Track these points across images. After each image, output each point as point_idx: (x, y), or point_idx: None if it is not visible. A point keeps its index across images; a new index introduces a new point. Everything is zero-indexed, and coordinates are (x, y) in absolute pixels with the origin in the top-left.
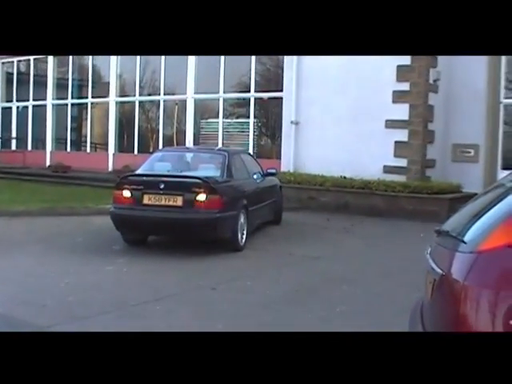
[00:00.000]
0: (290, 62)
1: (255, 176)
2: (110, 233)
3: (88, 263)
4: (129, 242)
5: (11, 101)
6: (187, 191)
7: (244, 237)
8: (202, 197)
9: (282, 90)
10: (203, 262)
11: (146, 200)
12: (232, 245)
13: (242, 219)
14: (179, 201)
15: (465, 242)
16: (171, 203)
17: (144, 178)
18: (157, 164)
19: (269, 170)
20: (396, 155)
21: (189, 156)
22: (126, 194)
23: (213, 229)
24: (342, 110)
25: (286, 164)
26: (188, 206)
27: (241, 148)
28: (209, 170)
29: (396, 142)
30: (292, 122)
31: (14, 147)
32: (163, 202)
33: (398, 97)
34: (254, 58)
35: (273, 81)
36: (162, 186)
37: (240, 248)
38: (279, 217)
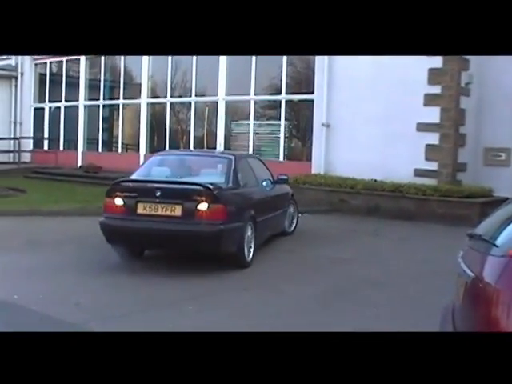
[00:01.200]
0: (321, 64)
1: (264, 183)
2: None
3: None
4: (123, 255)
5: (44, 101)
6: (187, 200)
7: (252, 251)
8: (203, 206)
9: (313, 92)
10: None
11: (140, 209)
12: (237, 261)
13: (249, 232)
14: (178, 210)
15: (497, 246)
16: (169, 213)
17: (138, 185)
18: (154, 169)
19: (280, 177)
20: (427, 158)
21: (190, 160)
22: (118, 202)
23: (216, 242)
24: (373, 112)
25: (317, 166)
26: (188, 217)
27: (261, 151)
28: (212, 175)
29: (427, 146)
30: (323, 125)
31: (46, 147)
32: (160, 212)
33: (430, 100)
34: (285, 59)
35: (304, 83)
36: (158, 194)
37: (247, 264)
38: (292, 228)
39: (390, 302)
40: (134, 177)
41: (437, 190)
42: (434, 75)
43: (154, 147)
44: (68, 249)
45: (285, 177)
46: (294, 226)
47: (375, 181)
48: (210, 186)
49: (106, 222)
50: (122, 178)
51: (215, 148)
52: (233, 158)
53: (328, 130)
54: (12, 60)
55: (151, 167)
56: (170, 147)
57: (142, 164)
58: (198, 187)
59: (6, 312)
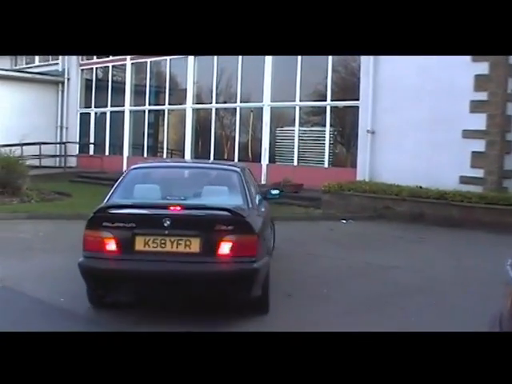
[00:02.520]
0: (366, 70)
1: (257, 199)
2: None
3: None
4: (96, 302)
5: (90, 107)
6: (208, 230)
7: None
8: (231, 238)
9: (358, 99)
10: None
11: (139, 245)
12: (261, 306)
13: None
14: (195, 245)
15: None
16: (182, 249)
17: (137, 211)
18: (138, 188)
19: (272, 192)
20: (473, 166)
21: (186, 174)
22: (106, 235)
23: (248, 286)
24: (418, 119)
25: (362, 173)
26: (209, 253)
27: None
28: (223, 195)
29: (473, 153)
30: (368, 131)
31: (91, 152)
32: (169, 248)
33: (476, 106)
34: (330, 66)
35: (349, 89)
36: (167, 223)
37: (267, 310)
38: (272, 245)
39: (433, 310)
40: (115, 199)
41: (482, 198)
42: (480, 81)
43: (199, 153)
44: None
45: (276, 191)
46: (273, 242)
47: (420, 188)
48: (240, 211)
49: (87, 264)
50: (108, 203)
51: (260, 154)
52: (239, 169)
53: (373, 136)
54: (59, 65)
55: (133, 185)
56: (215, 153)
57: (120, 181)
58: (223, 212)
59: (52, 315)
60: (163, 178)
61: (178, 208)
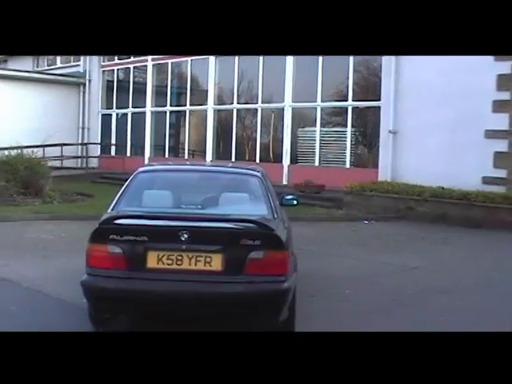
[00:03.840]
0: (387, 71)
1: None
2: None
3: None
4: (99, 324)
5: (111, 108)
6: (231, 245)
7: None
8: (258, 254)
9: (379, 99)
10: None
11: (152, 262)
12: (286, 327)
13: None
14: (216, 262)
15: None
16: (202, 267)
17: (149, 222)
18: (148, 194)
19: (287, 197)
20: (495, 166)
21: (201, 179)
22: (114, 250)
23: (278, 307)
24: (440, 119)
25: (384, 173)
26: (232, 272)
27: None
28: (245, 203)
29: (496, 153)
30: (390, 132)
31: (113, 153)
32: (186, 266)
33: (499, 106)
34: (351, 66)
35: (370, 90)
36: (185, 237)
37: (293, 330)
38: None
39: (457, 311)
40: (122, 208)
41: (506, 198)
42: (502, 81)
43: (220, 154)
44: None
45: (291, 196)
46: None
47: (442, 188)
48: (268, 223)
49: (92, 283)
50: (115, 214)
51: (282, 155)
52: (259, 174)
53: (395, 136)
54: (80, 67)
55: (142, 191)
56: (236, 154)
57: (126, 186)
58: (249, 224)
59: (75, 315)
60: (175, 183)
61: (197, 219)
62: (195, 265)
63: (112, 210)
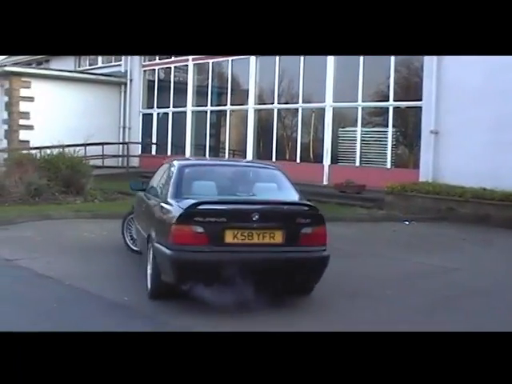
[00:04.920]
0: (429, 71)
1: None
2: None
3: None
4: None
5: (152, 107)
6: (289, 223)
7: None
8: (308, 229)
9: (421, 99)
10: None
11: (229, 237)
12: (310, 289)
13: None
14: (278, 236)
15: None
16: (267, 240)
17: (228, 207)
18: (200, 185)
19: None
20: None
21: (234, 172)
22: (197, 230)
23: (321, 271)
24: (483, 119)
25: (425, 174)
26: (290, 243)
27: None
28: (282, 191)
29: None
30: (431, 132)
31: (154, 152)
32: (256, 240)
33: None
34: (392, 66)
35: (411, 89)
36: (256, 217)
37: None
38: None
39: (497, 313)
40: (184, 196)
41: None
42: None
43: (261, 153)
44: None
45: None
46: None
47: (484, 189)
48: (314, 206)
49: (179, 257)
50: (196, 200)
51: (322, 155)
52: (278, 167)
53: (436, 137)
54: (121, 67)
55: (191, 182)
56: (277, 154)
57: (176, 177)
58: (302, 207)
59: (116, 313)
60: (216, 175)
61: (263, 203)
62: (262, 239)
63: (175, 197)
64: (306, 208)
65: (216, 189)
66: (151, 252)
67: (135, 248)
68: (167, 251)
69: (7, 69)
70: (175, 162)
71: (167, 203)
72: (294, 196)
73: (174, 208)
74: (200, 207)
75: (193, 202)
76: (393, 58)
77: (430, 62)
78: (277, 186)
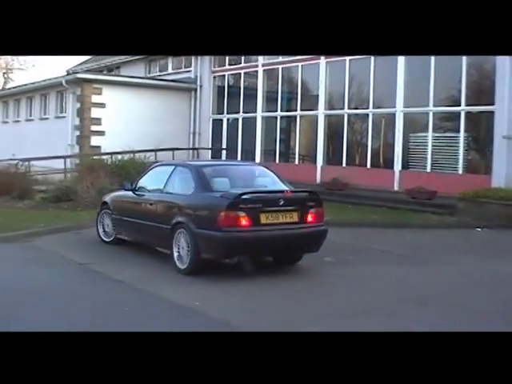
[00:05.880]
0: (502, 74)
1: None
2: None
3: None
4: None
5: (222, 113)
6: (301, 205)
7: None
8: (313, 210)
9: (493, 104)
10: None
11: (263, 219)
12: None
13: None
14: (295, 216)
15: None
16: (288, 220)
17: (263, 196)
18: (216, 180)
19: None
20: None
21: (236, 170)
22: (241, 214)
23: (321, 242)
24: None
25: (497, 180)
26: (302, 221)
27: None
28: (278, 182)
29: None
30: (504, 137)
31: (224, 158)
32: (280, 220)
33: None
34: (464, 70)
35: (483, 94)
36: (281, 203)
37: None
38: None
39: None
40: (215, 189)
41: None
42: None
43: (330, 158)
44: None
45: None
46: None
47: None
48: (316, 192)
49: (229, 236)
50: (238, 192)
51: (393, 160)
52: (262, 164)
53: (510, 142)
54: (191, 73)
55: (212, 178)
56: (347, 159)
57: (199, 175)
58: (308, 194)
59: (185, 316)
60: (227, 173)
61: (284, 192)
62: (285, 219)
63: (205, 191)
64: (312, 194)
65: (230, 183)
66: (182, 236)
67: (107, 239)
68: (217, 233)
69: (79, 76)
70: (188, 163)
71: (201, 196)
72: (285, 185)
73: (218, 199)
74: (243, 197)
75: (238, 192)
76: (464, 60)
77: (502, 64)
78: (271, 179)
